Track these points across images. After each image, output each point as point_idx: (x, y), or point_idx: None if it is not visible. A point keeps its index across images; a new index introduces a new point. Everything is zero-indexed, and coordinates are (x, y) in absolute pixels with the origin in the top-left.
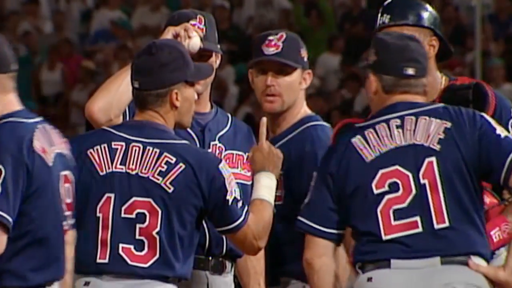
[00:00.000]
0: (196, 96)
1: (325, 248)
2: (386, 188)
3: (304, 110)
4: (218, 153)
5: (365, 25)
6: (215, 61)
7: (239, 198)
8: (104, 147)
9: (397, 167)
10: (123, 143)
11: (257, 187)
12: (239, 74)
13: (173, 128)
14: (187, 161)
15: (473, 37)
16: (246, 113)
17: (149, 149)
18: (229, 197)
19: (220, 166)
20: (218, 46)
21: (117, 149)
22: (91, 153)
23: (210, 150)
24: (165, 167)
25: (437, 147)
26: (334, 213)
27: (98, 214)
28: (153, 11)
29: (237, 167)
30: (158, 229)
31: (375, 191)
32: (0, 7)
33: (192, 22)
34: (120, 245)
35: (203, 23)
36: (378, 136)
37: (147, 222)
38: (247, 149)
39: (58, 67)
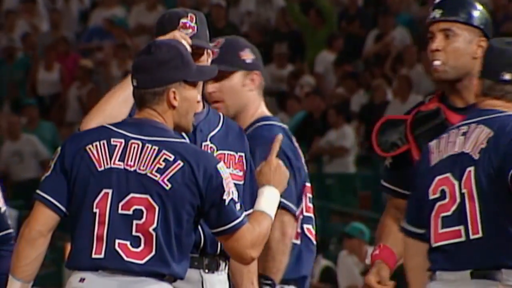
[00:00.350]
0: (199, 98)
1: (417, 248)
2: (438, 194)
3: (261, 111)
4: None
5: (361, 24)
6: (207, 59)
7: (236, 200)
8: (103, 143)
9: (448, 174)
10: (122, 140)
11: (259, 199)
12: None
13: (173, 128)
14: (186, 159)
15: None
16: None
17: (148, 147)
18: (226, 197)
19: (219, 166)
20: (210, 44)
21: (116, 145)
22: (90, 149)
23: None
24: (163, 164)
25: (476, 156)
26: (420, 212)
27: (94, 210)
28: (149, 9)
29: (229, 167)
30: (154, 225)
31: (430, 197)
32: None
33: (183, 20)
34: (117, 241)
35: (194, 21)
36: (447, 142)
37: (144, 219)
38: (238, 148)
39: (55, 66)
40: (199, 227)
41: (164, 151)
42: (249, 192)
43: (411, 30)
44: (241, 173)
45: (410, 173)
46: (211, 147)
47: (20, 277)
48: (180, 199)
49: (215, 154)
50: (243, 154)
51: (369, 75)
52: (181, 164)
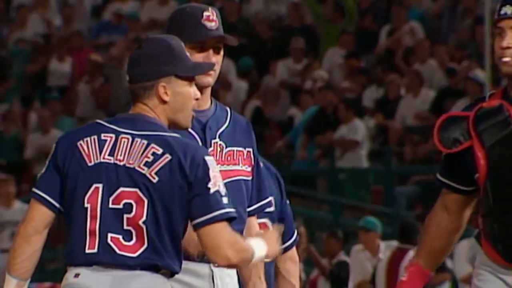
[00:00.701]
0: (198, 94)
1: None
2: None
3: None
4: (219, 151)
5: (373, 18)
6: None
7: (223, 194)
8: (94, 139)
9: None
10: (113, 135)
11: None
12: (247, 67)
13: (167, 125)
14: (174, 152)
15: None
16: (255, 107)
17: (137, 141)
18: (212, 187)
19: (207, 158)
20: None
21: (106, 140)
22: (81, 144)
23: (211, 148)
24: (151, 158)
25: None
26: None
27: (86, 205)
28: (161, 4)
29: (238, 164)
30: (144, 218)
31: None
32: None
33: (206, 13)
34: (109, 235)
35: (215, 15)
36: None
37: (133, 212)
38: (246, 144)
39: (67, 58)
40: None
41: (152, 144)
42: (256, 187)
43: (423, 25)
44: (249, 169)
45: (469, 169)
46: (220, 144)
47: (16, 274)
48: (168, 192)
49: (224, 151)
50: (251, 150)
51: (381, 70)
52: (169, 157)
